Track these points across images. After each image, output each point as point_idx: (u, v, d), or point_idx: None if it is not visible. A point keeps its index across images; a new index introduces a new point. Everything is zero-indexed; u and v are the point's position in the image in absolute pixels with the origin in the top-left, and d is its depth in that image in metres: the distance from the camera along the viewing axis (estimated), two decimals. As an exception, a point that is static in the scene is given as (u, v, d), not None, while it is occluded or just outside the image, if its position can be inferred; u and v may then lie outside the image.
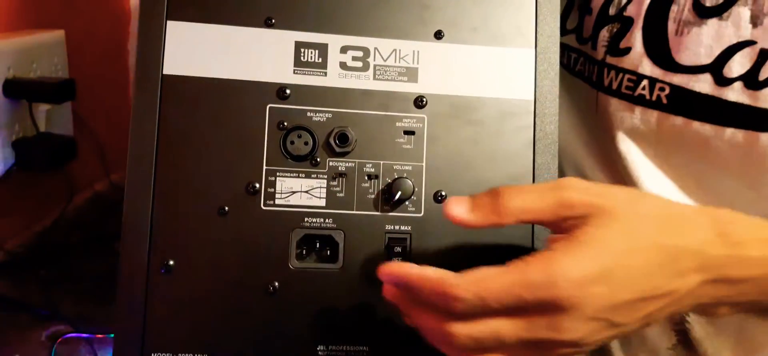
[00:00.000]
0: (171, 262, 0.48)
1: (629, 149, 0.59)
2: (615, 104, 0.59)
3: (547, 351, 0.41)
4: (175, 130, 0.49)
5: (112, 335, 0.64)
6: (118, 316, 0.48)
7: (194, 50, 0.49)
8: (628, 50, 0.57)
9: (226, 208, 0.49)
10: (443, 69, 0.51)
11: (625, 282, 0.41)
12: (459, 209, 0.43)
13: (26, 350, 0.68)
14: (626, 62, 0.58)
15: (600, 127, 0.62)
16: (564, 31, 0.66)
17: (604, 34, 0.59)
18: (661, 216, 0.43)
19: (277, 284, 0.49)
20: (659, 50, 0.55)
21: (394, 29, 0.51)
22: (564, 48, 0.66)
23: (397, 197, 0.49)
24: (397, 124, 0.50)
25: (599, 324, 0.41)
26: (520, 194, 0.42)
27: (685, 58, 0.54)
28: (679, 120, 0.55)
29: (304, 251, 0.50)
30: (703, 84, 0.53)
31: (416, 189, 0.50)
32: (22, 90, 0.71)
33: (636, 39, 0.57)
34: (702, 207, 0.46)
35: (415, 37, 0.51)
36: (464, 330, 0.41)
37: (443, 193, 0.50)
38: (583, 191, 0.42)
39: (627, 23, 0.57)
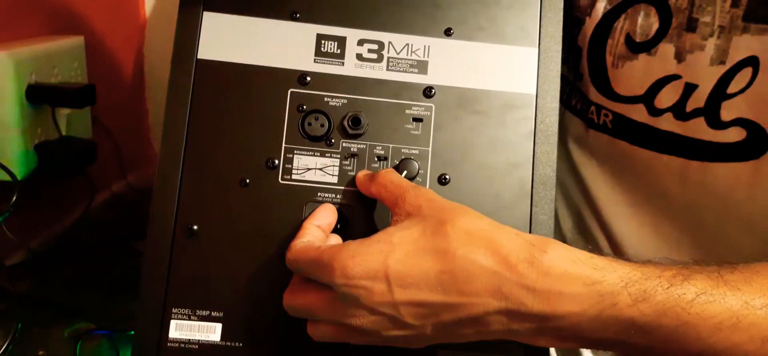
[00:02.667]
0: (195, 227, 0.52)
1: (587, 165, 0.63)
2: (575, 123, 0.63)
3: (347, 333, 0.45)
4: (205, 108, 0.53)
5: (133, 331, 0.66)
6: (144, 273, 0.52)
7: (226, 38, 0.54)
8: (582, 76, 0.61)
9: (248, 180, 0.53)
10: (451, 63, 0.55)
11: (403, 283, 0.43)
12: (361, 173, 0.52)
13: (50, 347, 0.70)
14: (582, 86, 0.61)
15: (562, 140, 0.65)
16: None
17: (570, 59, 0.63)
18: (472, 231, 0.43)
19: None
20: (601, 79, 0.59)
21: (407, 25, 0.55)
22: None
23: (403, 175, 0.52)
24: (407, 111, 0.54)
25: (384, 318, 0.44)
26: (385, 181, 0.49)
27: (621, 88, 0.57)
28: (623, 145, 0.58)
29: None
30: (638, 113, 0.56)
31: (421, 171, 0.53)
32: (44, 95, 0.72)
33: (585, 67, 0.60)
34: (524, 233, 0.45)
35: (427, 33, 0.55)
36: (287, 297, 0.48)
37: (447, 176, 0.54)
38: (420, 196, 0.46)
39: (578, 52, 0.61)
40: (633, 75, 0.56)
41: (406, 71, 0.55)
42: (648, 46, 0.55)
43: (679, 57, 0.53)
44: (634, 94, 0.56)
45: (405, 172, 0.52)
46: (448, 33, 0.55)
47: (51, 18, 0.81)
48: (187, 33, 0.54)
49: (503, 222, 0.46)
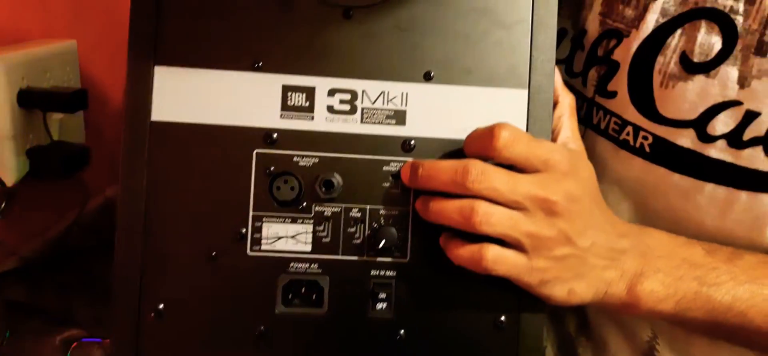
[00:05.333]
0: (161, 306, 0.49)
1: (610, 190, 0.59)
2: (602, 144, 0.59)
3: (547, 233, 0.46)
4: (163, 176, 0.49)
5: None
6: None
7: (182, 95, 0.49)
8: (614, 94, 0.57)
9: (214, 253, 0.49)
10: (432, 111, 0.50)
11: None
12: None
13: (42, 355, 0.69)
14: (613, 105, 0.57)
15: None
16: None
17: (593, 73, 0.59)
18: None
19: (263, 328, 0.49)
20: (643, 99, 0.55)
21: (382, 70, 0.50)
22: None
23: (381, 245, 0.49)
24: (385, 168, 0.50)
25: (579, 226, 0.46)
26: (515, 141, 0.46)
27: (669, 111, 0.53)
28: (660, 171, 0.54)
29: (291, 295, 0.50)
30: (686, 139, 0.52)
31: (401, 235, 0.50)
32: (36, 100, 0.72)
33: (622, 84, 0.56)
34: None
35: (404, 78, 0.50)
36: (484, 203, 0.45)
37: (430, 238, 0.49)
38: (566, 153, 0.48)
39: (613, 67, 0.57)
40: (685, 98, 0.52)
41: (382, 123, 0.50)
42: (707, 67, 0.51)
43: (743, 82, 0.49)
44: (682, 118, 0.52)
45: (383, 242, 0.49)
46: (427, 77, 0.50)
47: (44, 22, 0.80)
48: (138, 92, 0.48)
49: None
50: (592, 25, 0.59)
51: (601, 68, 0.58)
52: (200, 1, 0.49)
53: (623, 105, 0.56)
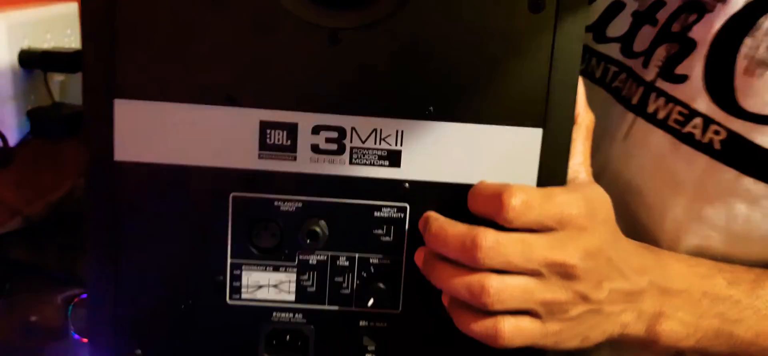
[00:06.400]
0: (139, 352, 0.47)
1: (658, 190, 0.53)
2: (657, 136, 0.52)
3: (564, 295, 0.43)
4: (132, 222, 0.45)
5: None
6: None
7: (147, 133, 0.43)
8: (684, 78, 0.50)
9: (191, 302, 0.46)
10: (431, 152, 0.44)
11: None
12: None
13: (43, 312, 0.70)
14: (680, 92, 0.50)
15: (626, 156, 0.55)
16: (603, 38, 0.58)
17: (661, 52, 0.52)
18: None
19: None
20: (721, 87, 0.48)
21: (374, 105, 0.44)
22: (600, 58, 0.59)
23: (370, 304, 0.46)
24: (376, 214, 0.45)
25: (596, 275, 0.43)
26: (527, 209, 0.42)
27: (751, 103, 0.46)
28: (730, 174, 0.48)
29: (275, 342, 0.47)
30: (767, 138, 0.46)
31: (393, 286, 0.46)
32: (37, 60, 0.72)
33: (696, 67, 0.49)
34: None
35: (399, 114, 0.44)
36: (495, 279, 0.41)
37: (424, 290, 0.45)
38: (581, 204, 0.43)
39: (688, 46, 0.50)
40: None
41: (374, 164, 0.44)
42: None
43: None
44: (766, 113, 0.46)
45: (371, 301, 0.46)
46: (426, 113, 0.44)
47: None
48: (97, 129, 0.43)
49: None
50: None
51: (672, 47, 0.51)
52: (164, 23, 0.42)
53: (694, 92, 0.49)
